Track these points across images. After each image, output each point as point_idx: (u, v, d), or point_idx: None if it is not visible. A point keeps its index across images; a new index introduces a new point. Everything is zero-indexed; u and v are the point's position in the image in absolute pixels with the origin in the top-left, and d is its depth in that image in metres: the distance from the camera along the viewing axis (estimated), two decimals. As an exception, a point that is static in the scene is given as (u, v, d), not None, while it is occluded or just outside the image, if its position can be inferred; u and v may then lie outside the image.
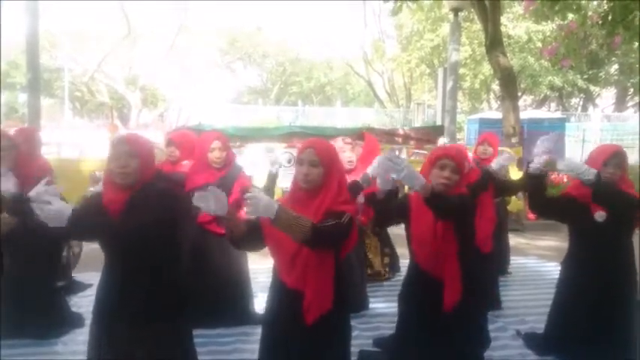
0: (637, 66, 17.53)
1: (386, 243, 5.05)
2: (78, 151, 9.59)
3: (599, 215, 3.03)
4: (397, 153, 2.70)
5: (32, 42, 7.26)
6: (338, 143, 3.83)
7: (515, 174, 6.56)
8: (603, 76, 20.95)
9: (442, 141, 4.04)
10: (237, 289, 3.79)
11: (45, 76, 23.71)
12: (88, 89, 26.36)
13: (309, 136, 7.19)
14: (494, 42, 9.88)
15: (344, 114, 26.30)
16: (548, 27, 16.36)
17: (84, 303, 4.11)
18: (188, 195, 3.32)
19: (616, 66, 21.25)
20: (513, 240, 6.37)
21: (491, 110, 20.82)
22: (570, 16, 10.28)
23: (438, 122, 10.50)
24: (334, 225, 2.11)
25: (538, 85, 19.55)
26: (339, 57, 31.55)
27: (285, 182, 6.43)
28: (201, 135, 3.97)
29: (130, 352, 2.28)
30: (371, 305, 4.26)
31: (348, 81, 34.98)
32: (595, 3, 13.18)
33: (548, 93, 22.29)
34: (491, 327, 3.54)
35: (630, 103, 24.34)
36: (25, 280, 3.44)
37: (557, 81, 18.90)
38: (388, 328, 3.63)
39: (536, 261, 6.16)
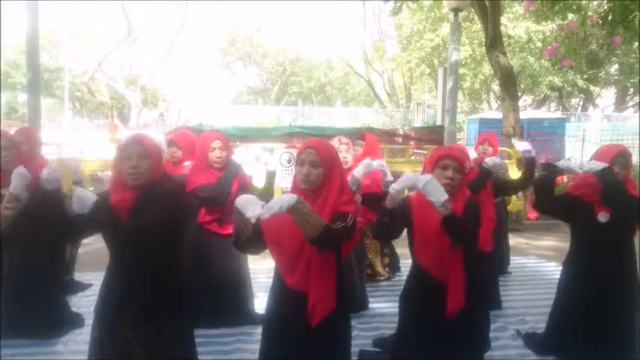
0: (637, 66, 17.55)
1: (386, 243, 5.05)
2: (78, 151, 9.58)
3: (602, 216, 3.03)
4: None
5: (32, 42, 7.24)
6: (334, 143, 3.80)
7: (515, 174, 6.57)
8: (603, 76, 20.95)
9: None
10: (237, 289, 3.78)
11: (45, 76, 23.73)
12: (88, 89, 26.32)
13: (309, 137, 7.19)
14: (494, 42, 9.88)
15: (344, 114, 26.27)
16: (548, 27, 16.35)
17: (84, 303, 4.11)
18: (191, 195, 3.33)
19: (616, 66, 21.28)
20: (513, 240, 6.37)
21: (491, 110, 20.87)
22: (570, 16, 10.28)
23: (438, 122, 10.48)
24: (342, 228, 2.13)
25: (538, 85, 19.55)
26: (339, 57, 31.59)
27: (285, 182, 6.44)
28: (201, 134, 3.95)
29: (133, 351, 2.29)
30: (371, 305, 4.26)
31: (348, 81, 35.03)
32: (595, 3, 13.21)
33: (548, 93, 22.29)
34: (491, 327, 3.52)
35: (630, 103, 24.36)
36: (25, 280, 3.43)
37: (557, 81, 18.90)
38: (388, 328, 3.63)
39: (536, 261, 6.15)
